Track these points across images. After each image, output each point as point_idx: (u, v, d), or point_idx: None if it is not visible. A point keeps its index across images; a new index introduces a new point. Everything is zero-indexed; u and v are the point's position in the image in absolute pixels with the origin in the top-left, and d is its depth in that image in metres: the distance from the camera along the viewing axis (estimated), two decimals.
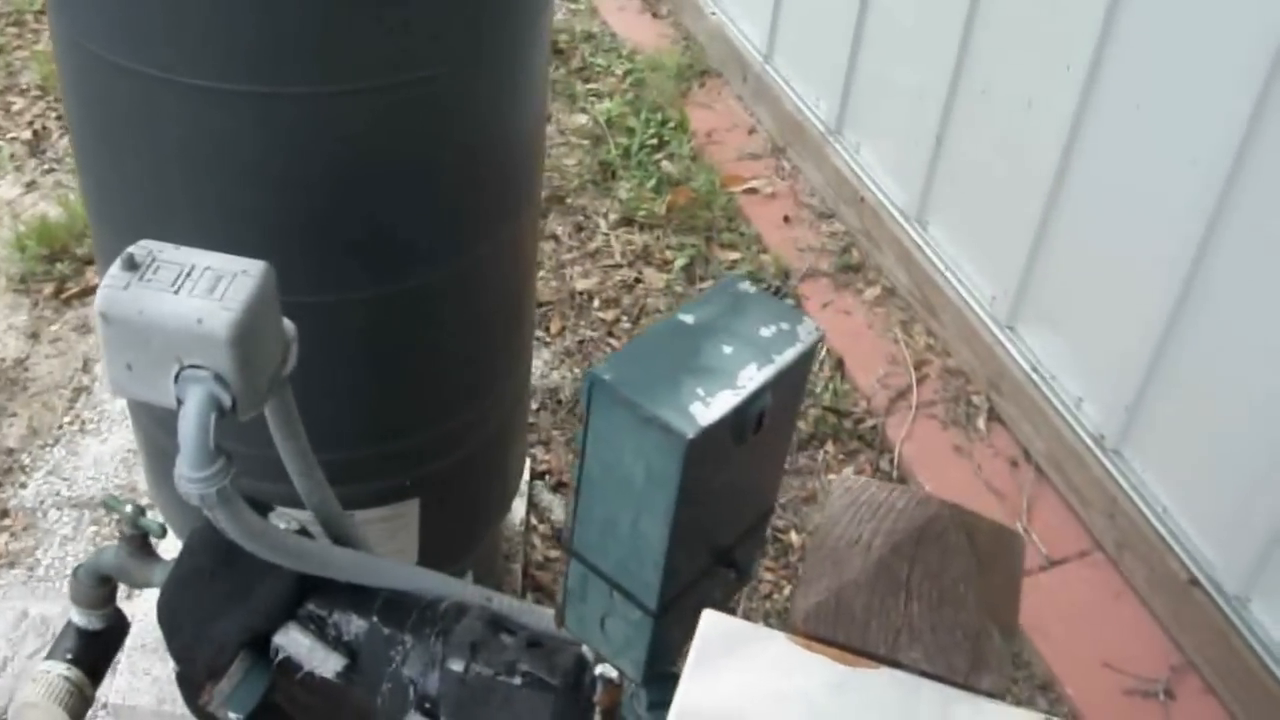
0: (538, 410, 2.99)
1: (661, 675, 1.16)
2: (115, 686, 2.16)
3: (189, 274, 1.22)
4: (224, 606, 1.42)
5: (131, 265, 1.22)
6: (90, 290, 3.16)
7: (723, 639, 0.90)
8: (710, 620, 0.92)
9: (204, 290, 1.21)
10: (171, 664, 1.48)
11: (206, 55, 1.43)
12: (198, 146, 1.51)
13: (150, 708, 2.15)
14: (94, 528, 2.63)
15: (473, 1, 1.53)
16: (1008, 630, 0.95)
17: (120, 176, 1.62)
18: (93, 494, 2.70)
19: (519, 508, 2.57)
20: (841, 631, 0.94)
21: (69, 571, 2.49)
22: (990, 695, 0.90)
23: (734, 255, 3.57)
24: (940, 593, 0.96)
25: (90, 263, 3.23)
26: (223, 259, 1.25)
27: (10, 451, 2.80)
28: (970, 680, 0.91)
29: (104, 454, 2.80)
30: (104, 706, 2.16)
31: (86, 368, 3.01)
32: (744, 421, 1.02)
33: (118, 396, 1.60)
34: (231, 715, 1.40)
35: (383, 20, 1.44)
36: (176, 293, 1.21)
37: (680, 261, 3.51)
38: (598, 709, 1.27)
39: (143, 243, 1.26)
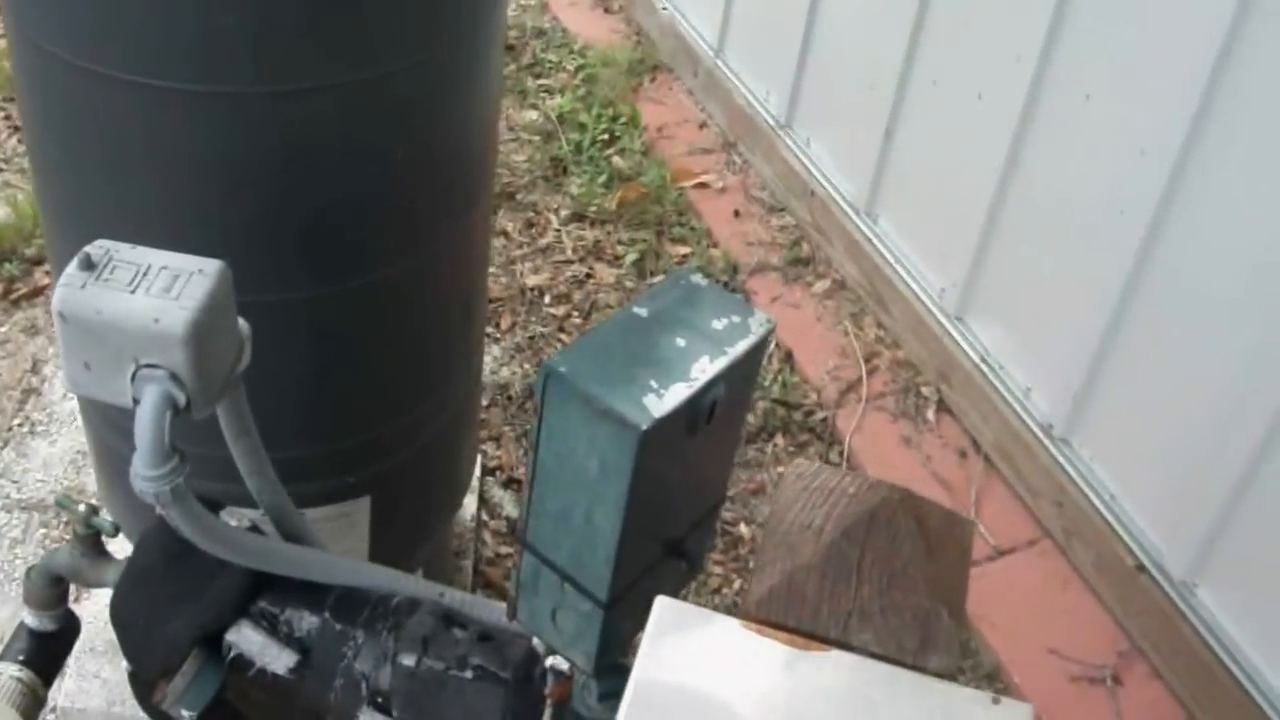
0: (488, 406, 2.99)
1: (612, 667, 1.17)
2: (64, 690, 2.15)
3: (145, 273, 1.22)
4: (176, 605, 1.42)
5: (88, 265, 1.22)
6: (39, 291, 3.13)
7: (675, 623, 0.91)
8: (663, 605, 0.93)
9: (160, 290, 1.21)
10: (121, 666, 1.47)
11: (145, 53, 1.42)
12: (138, 144, 1.50)
13: (100, 710, 2.14)
14: (43, 530, 2.60)
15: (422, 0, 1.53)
16: (956, 611, 0.96)
17: (67, 173, 1.61)
18: (42, 496, 2.67)
19: (469, 504, 2.57)
20: (793, 615, 0.95)
21: (18, 575, 2.47)
22: (938, 675, 0.92)
23: (684, 250, 3.58)
24: (890, 576, 0.97)
25: (39, 263, 3.19)
26: (179, 258, 1.25)
27: None
28: (918, 660, 0.93)
29: (53, 456, 2.77)
30: (53, 710, 2.14)
31: (35, 369, 2.98)
32: (696, 413, 1.03)
33: (75, 394, 1.59)
34: (185, 713, 1.40)
35: (325, 20, 1.44)
36: (133, 292, 1.21)
37: (631, 257, 3.52)
38: (549, 701, 1.28)
39: (100, 242, 1.25)
